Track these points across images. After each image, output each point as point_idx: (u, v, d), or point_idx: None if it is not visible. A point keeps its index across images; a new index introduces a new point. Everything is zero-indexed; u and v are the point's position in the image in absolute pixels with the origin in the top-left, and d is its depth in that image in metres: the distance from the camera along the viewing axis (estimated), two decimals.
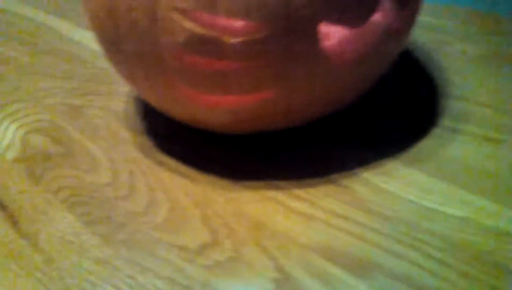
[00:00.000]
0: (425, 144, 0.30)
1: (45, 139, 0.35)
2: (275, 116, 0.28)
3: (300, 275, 0.23)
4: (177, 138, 0.34)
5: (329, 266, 0.23)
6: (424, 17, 0.46)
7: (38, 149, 0.34)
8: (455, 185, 0.27)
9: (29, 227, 0.28)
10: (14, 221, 0.28)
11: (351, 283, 0.22)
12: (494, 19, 0.45)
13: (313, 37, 0.24)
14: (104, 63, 0.44)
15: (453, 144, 0.30)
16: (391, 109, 0.34)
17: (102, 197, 0.29)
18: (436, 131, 0.32)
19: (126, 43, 0.25)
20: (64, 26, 0.52)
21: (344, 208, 0.26)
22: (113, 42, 0.26)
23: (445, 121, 0.33)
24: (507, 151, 0.30)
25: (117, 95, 0.39)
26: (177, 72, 0.25)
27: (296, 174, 0.29)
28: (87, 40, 0.49)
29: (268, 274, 0.23)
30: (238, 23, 0.23)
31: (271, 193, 0.28)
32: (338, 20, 0.24)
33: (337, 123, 0.33)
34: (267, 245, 0.25)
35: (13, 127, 0.37)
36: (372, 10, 0.25)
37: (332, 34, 0.24)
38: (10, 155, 0.34)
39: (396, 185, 0.27)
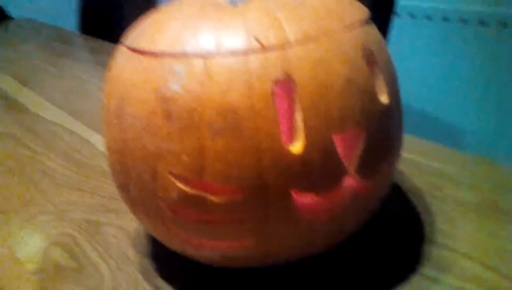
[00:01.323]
0: None
1: (63, 253, 0.39)
2: (258, 258, 0.31)
3: None
4: (178, 264, 0.37)
5: None
6: (418, 157, 0.49)
7: (55, 263, 0.38)
8: None
9: None
10: None
11: None
12: (490, 165, 0.48)
13: (285, 202, 0.28)
14: None
15: None
16: (373, 253, 0.37)
17: None
18: (415, 279, 0.33)
19: (132, 190, 0.30)
20: (100, 141, 0.60)
21: None
22: (123, 186, 0.31)
23: (426, 270, 0.34)
24: None
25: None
26: (172, 220, 0.29)
27: None
28: None
29: None
30: (220, 187, 0.27)
31: None
32: (307, 188, 0.28)
33: (322, 265, 0.36)
34: None
35: (37, 238, 0.41)
36: (338, 180, 0.28)
37: (304, 198, 0.28)
38: (30, 266, 0.38)
39: None
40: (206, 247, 0.31)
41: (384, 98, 0.30)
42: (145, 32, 0.30)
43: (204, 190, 0.28)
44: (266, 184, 0.27)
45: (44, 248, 0.40)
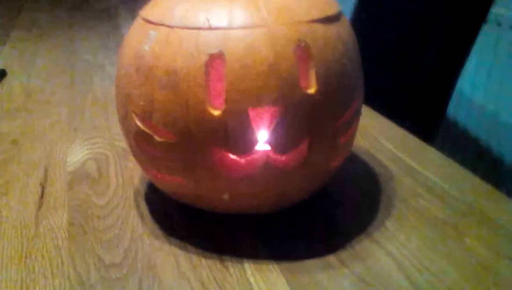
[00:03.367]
0: None
1: (94, 166, 0.52)
2: (193, 197, 0.38)
3: None
4: (165, 199, 0.46)
5: None
6: (415, 164, 0.49)
7: (85, 171, 0.51)
8: None
9: None
10: None
11: None
12: (483, 189, 0.45)
13: (206, 154, 0.34)
14: None
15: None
16: (301, 226, 0.40)
17: None
18: (328, 258, 0.37)
19: (120, 124, 0.40)
20: None
21: None
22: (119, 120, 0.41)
23: (343, 255, 0.37)
24: None
25: None
26: (137, 151, 0.38)
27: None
28: None
29: None
30: (160, 130, 0.35)
31: None
32: (224, 147, 0.34)
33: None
34: None
35: (85, 152, 0.55)
36: (251, 147, 0.34)
37: (221, 155, 0.34)
38: (70, 168, 0.51)
39: None
40: (160, 179, 0.39)
41: (310, 89, 0.33)
42: (151, 6, 0.39)
43: (151, 129, 0.36)
44: (192, 135, 0.34)
45: (84, 160, 0.53)
